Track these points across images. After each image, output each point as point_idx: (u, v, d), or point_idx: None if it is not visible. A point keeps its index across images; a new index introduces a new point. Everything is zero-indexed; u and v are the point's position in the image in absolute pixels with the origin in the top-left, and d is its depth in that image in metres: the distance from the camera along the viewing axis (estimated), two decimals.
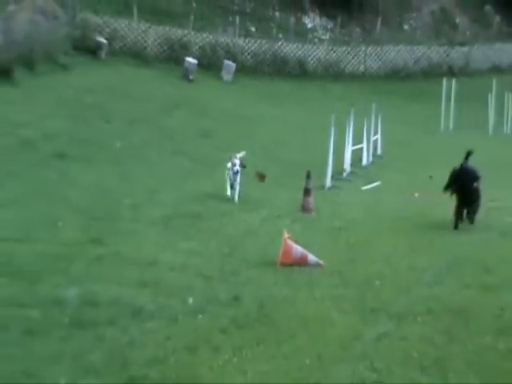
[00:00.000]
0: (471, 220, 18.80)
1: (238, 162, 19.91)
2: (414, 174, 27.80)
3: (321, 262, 14.51)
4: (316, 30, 59.17)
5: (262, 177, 21.93)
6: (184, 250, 14.94)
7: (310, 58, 52.13)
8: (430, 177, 26.74)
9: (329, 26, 59.97)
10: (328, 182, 24.22)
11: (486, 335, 11.19)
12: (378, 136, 31.66)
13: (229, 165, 20.75)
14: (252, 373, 9.53)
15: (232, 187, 20.47)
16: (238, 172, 20.17)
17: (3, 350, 9.90)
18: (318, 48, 54.54)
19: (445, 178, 27.26)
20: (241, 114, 35.00)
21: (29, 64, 32.67)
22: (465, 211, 18.85)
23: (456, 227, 18.70)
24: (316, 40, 56.89)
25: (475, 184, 18.29)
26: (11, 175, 20.35)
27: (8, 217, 16.41)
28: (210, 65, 44.72)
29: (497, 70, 57.49)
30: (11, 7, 33.69)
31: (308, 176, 20.21)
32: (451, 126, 42.23)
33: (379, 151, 31.89)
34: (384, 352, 10.51)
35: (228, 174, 20.73)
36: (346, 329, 11.27)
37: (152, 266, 13.65)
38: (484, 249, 15.89)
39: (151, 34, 44.78)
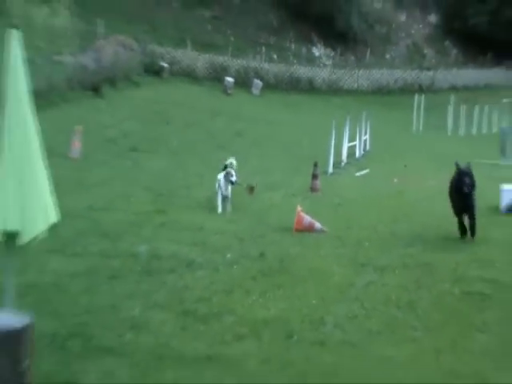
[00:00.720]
0: (473, 231, 13.76)
1: (234, 172, 15.66)
2: (394, 164, 27.68)
3: (324, 228, 14.49)
4: (321, 58, 59.15)
5: (251, 189, 18.22)
6: (224, 219, 14.98)
7: (317, 78, 52.10)
8: (405, 166, 26.70)
9: (331, 55, 59.95)
10: (330, 170, 24.17)
11: (446, 283, 11.12)
12: (367, 136, 31.54)
13: (219, 176, 15.99)
14: (273, 309, 9.53)
15: (224, 200, 15.73)
16: (234, 183, 15.78)
17: (95, 289, 9.98)
18: (322, 70, 54.54)
19: (416, 166, 27.25)
20: (265, 119, 34.93)
21: (112, 82, 33.03)
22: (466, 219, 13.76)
23: (463, 236, 13.87)
24: (321, 64, 56.82)
25: (466, 190, 13.16)
26: (100, 163, 20.45)
27: (98, 193, 16.53)
28: (243, 82, 44.61)
29: (454, 88, 57.37)
30: (100, 42, 33.82)
31: (315, 165, 20.14)
32: (420, 128, 42.02)
33: (368, 147, 31.72)
34: (371, 295, 10.48)
35: (219, 187, 15.80)
36: (342, 278, 11.24)
37: (200, 230, 13.75)
38: (445, 220, 15.76)
39: (200, 60, 44.83)
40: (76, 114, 25.07)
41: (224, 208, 15.90)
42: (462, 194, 13.29)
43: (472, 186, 13.30)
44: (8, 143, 6.70)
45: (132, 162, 21.81)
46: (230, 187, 15.75)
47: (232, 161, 16.44)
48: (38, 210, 6.91)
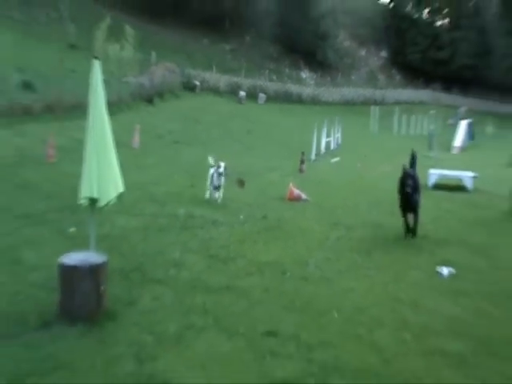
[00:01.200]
0: (414, 229, 11.22)
1: (222, 165, 13.33)
2: (357, 154, 27.56)
3: (309, 199, 14.49)
4: (307, 79, 58.84)
5: (241, 183, 15.70)
6: (236, 191, 14.95)
7: (303, 93, 51.75)
8: (365, 156, 26.59)
9: (314, 77, 59.64)
10: (313, 157, 24.08)
11: (392, 237, 11.18)
12: (339, 134, 31.39)
13: (211, 170, 13.61)
14: (273, 255, 9.58)
15: (217, 188, 13.40)
16: (221, 174, 13.32)
17: (148, 239, 10.03)
18: (307, 88, 54.21)
19: (372, 155, 27.20)
20: (267, 122, 34.83)
21: (161, 95, 32.91)
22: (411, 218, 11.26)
23: (407, 234, 11.27)
24: (307, 84, 56.49)
25: (409, 190, 10.91)
26: (152, 152, 20.42)
27: (150, 172, 16.51)
28: (252, 95, 44.33)
29: (397, 102, 57.07)
30: (153, 67, 33.94)
31: (302, 153, 20.08)
32: (376, 129, 41.83)
33: (339, 142, 31.57)
34: (340, 245, 10.52)
35: (211, 179, 13.49)
36: (321, 233, 11.26)
37: (221, 199, 13.71)
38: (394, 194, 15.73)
39: (222, 80, 44.54)
40: (136, 118, 25.02)
41: (212, 195, 13.54)
42: (404, 194, 10.94)
43: (414, 187, 10.91)
44: (91, 136, 7.01)
45: (174, 151, 21.76)
46: (222, 178, 13.34)
47: (221, 164, 13.51)
48: (110, 183, 7.14)
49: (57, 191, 12.65)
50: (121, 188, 7.31)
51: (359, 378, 5.80)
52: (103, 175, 6.96)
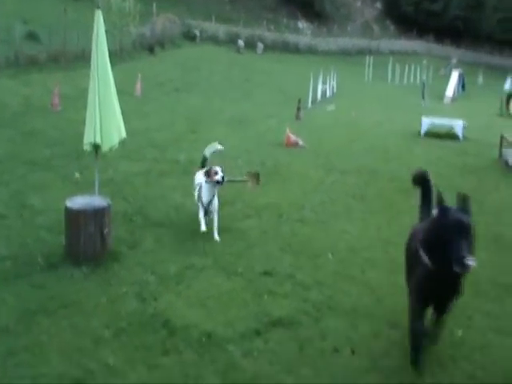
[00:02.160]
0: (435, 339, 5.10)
1: (219, 169, 7.67)
2: (353, 102, 27.15)
3: (305, 145, 14.33)
4: (304, 29, 57.71)
5: (254, 177, 8.58)
6: (238, 137, 14.78)
7: (301, 43, 50.70)
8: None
9: (310, 27, 58.45)
10: (309, 105, 23.71)
11: (385, 182, 11.11)
12: (334, 82, 30.84)
13: (198, 179, 8.04)
14: (270, 198, 9.51)
15: (206, 213, 7.72)
16: (221, 182, 7.63)
17: (150, 183, 9.96)
18: (304, 37, 53.18)
19: (366, 104, 26.82)
20: (265, 70, 34.21)
21: (162, 45, 32.38)
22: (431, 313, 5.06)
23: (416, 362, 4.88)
24: (304, 34, 55.42)
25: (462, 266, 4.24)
26: (153, 99, 20.12)
27: (152, 119, 16.31)
28: (250, 45, 43.46)
29: (392, 52, 55.71)
30: (154, 18, 33.14)
31: (299, 101, 19.75)
32: (370, 78, 41.22)
33: (334, 90, 31.08)
34: (335, 189, 10.46)
35: (199, 197, 7.77)
36: (316, 178, 11.19)
37: (221, 143, 13.50)
38: (387, 141, 15.59)
39: (221, 29, 43.60)
40: (138, 67, 24.59)
41: (207, 223, 7.68)
42: (443, 270, 4.45)
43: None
44: (95, 84, 6.87)
45: (175, 98, 21.43)
46: (215, 197, 7.70)
47: (216, 147, 8.65)
48: (113, 129, 7.11)
49: (62, 138, 12.57)
50: (123, 134, 7.24)
51: (353, 317, 5.79)
52: (106, 122, 6.93)
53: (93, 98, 6.85)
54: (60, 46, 22.28)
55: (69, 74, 19.86)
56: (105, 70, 6.93)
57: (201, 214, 7.65)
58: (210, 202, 7.64)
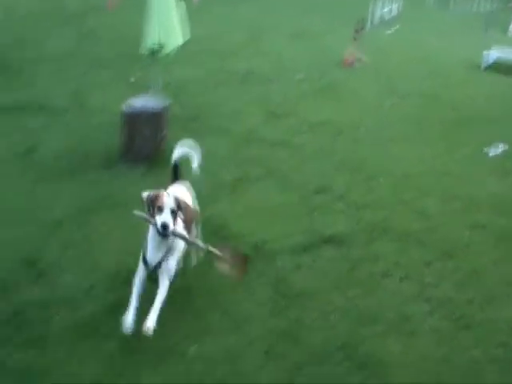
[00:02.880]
0: None
1: (170, 200, 3.62)
2: (414, 26, 25.72)
3: (367, 60, 13.52)
4: None
5: (240, 261, 3.91)
6: (297, 51, 14.08)
7: None
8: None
9: None
10: (369, 26, 22.50)
11: (446, 109, 10.49)
12: (397, 4, 29.11)
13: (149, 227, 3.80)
14: (325, 115, 9.12)
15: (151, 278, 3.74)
16: (163, 233, 3.58)
17: (206, 92, 9.73)
18: None
19: (425, 31, 25.23)
20: None
21: None
22: None
23: None
24: None
25: None
26: (211, 8, 19.40)
27: (210, 28, 15.69)
28: None
29: None
30: None
31: (360, 21, 18.59)
32: (431, 3, 39.01)
33: (397, 12, 29.42)
34: (393, 113, 9.81)
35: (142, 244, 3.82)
36: (374, 100, 10.47)
37: (279, 55, 12.87)
38: (457, 65, 14.70)
39: None
40: None
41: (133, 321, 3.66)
42: None
43: None
44: None
45: (233, 8, 20.63)
46: (173, 254, 3.87)
47: (185, 150, 4.65)
48: (172, 34, 6.95)
49: (120, 39, 12.31)
50: (182, 39, 7.00)
51: (404, 242, 5.58)
52: (165, 25, 6.73)
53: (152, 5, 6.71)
54: None
55: None
56: None
57: (134, 291, 3.81)
58: (160, 263, 3.84)
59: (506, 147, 8.65)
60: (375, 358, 3.97)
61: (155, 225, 3.70)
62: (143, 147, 6.41)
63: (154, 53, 6.77)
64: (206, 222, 5.38)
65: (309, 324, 4.24)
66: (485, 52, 16.11)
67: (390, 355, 4.03)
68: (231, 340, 3.98)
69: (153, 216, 3.73)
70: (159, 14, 6.63)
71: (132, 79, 9.64)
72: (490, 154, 8.50)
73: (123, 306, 3.89)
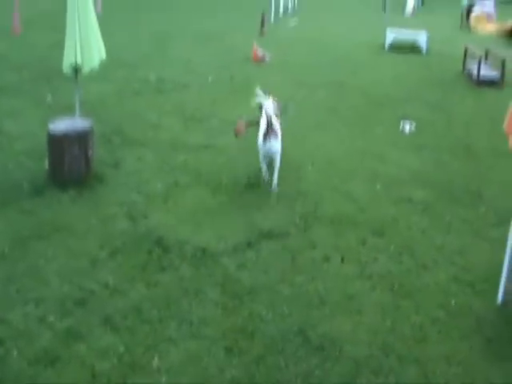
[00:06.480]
0: None
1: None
2: (314, 15, 26.25)
3: (271, 59, 13.83)
4: None
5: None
6: (207, 53, 14.17)
7: None
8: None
9: None
10: (272, 20, 22.86)
11: (354, 96, 10.94)
12: None
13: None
14: (242, 112, 9.27)
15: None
16: None
17: (124, 103, 9.63)
18: None
19: (324, 16, 25.80)
20: None
21: None
22: None
23: None
24: None
25: None
26: (115, 17, 19.08)
27: (117, 38, 15.50)
28: None
29: None
30: None
31: (263, 15, 18.80)
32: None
33: (295, 5, 29.88)
34: (306, 104, 10.20)
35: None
36: (287, 92, 10.61)
37: (189, 62, 12.97)
38: (351, 51, 15.19)
39: None
40: None
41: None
42: None
43: None
44: (73, 8, 6.56)
45: (137, 16, 20.36)
46: None
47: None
48: (94, 50, 6.84)
49: (27, 62, 11.88)
50: (103, 55, 6.94)
51: (337, 225, 5.84)
52: (87, 42, 6.66)
53: (72, 17, 6.50)
54: None
55: None
56: None
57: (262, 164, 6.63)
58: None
59: (415, 124, 9.19)
60: (329, 338, 4.18)
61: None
62: (73, 168, 6.31)
63: (76, 71, 6.69)
64: (146, 234, 5.44)
65: (262, 317, 4.38)
66: (387, 32, 16.80)
67: (341, 334, 4.25)
68: (192, 345, 4.05)
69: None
70: (81, 31, 6.51)
71: (48, 97, 9.43)
72: (407, 131, 9.00)
73: (80, 331, 4.04)
